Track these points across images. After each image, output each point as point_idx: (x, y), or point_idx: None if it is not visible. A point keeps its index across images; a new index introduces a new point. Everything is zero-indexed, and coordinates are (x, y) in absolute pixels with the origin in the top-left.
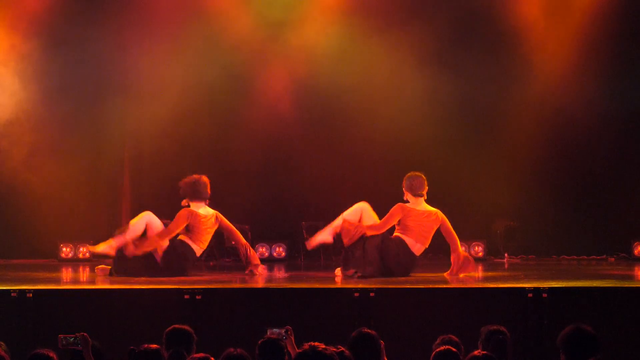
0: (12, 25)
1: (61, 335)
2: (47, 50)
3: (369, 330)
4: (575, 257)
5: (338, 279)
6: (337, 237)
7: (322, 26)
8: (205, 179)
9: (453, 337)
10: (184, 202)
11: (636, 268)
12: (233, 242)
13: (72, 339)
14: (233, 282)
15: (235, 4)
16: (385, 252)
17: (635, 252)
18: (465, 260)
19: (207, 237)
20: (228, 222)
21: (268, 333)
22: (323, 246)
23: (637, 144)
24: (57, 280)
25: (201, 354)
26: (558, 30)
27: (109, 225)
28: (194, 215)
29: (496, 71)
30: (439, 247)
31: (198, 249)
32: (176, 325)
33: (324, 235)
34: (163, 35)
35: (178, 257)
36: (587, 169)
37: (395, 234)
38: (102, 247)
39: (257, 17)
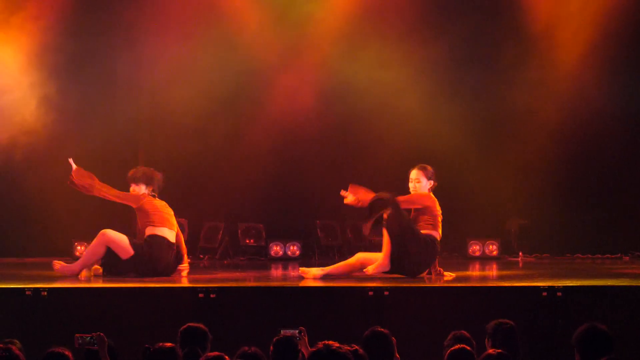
0: (33, 17)
1: (77, 335)
2: (63, 42)
3: (382, 329)
4: (589, 255)
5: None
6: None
7: (339, 25)
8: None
9: (465, 332)
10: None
11: None
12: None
13: (88, 339)
14: (247, 280)
15: (251, 2)
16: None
17: None
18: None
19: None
20: None
21: (281, 333)
22: (337, 245)
23: None
24: (72, 279)
25: (215, 353)
26: (573, 30)
27: (123, 223)
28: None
29: (510, 70)
30: (456, 246)
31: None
32: (191, 324)
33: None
34: (179, 29)
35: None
36: (601, 167)
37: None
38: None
39: (274, 15)
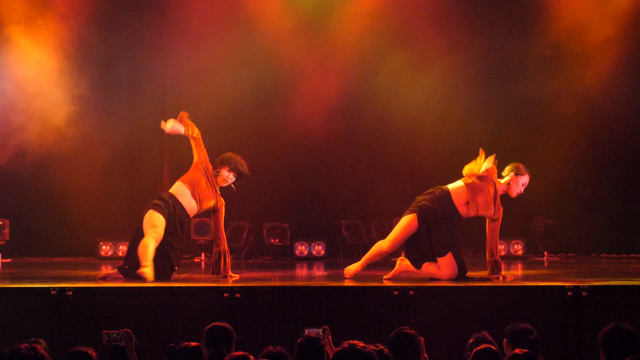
0: (60, 18)
1: (105, 332)
2: (91, 44)
3: (408, 330)
4: (615, 255)
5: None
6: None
7: (361, 28)
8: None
9: (486, 334)
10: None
11: None
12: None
13: (115, 335)
14: (272, 280)
15: (278, 7)
16: None
17: None
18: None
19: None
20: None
21: (306, 333)
22: (362, 245)
23: None
24: (97, 279)
25: (240, 352)
26: (602, 34)
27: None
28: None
29: (539, 73)
30: (482, 246)
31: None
32: (216, 323)
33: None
34: (207, 32)
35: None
36: (628, 167)
37: None
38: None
39: (302, 19)
